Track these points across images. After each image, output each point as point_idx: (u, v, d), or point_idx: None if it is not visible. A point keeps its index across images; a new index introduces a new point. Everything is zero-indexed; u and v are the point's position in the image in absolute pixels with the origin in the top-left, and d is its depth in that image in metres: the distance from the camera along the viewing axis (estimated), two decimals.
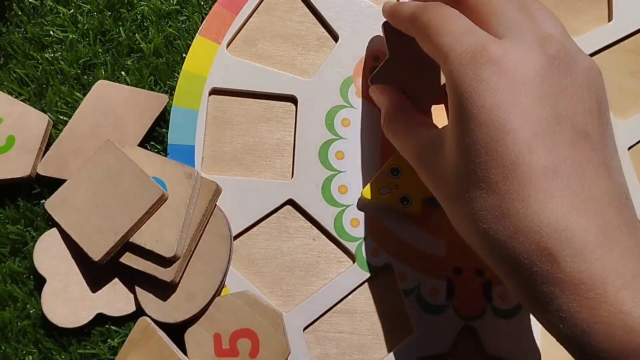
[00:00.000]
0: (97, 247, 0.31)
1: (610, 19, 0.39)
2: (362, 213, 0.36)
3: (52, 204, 0.32)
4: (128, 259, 0.32)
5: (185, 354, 0.32)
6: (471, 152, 0.24)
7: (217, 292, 0.33)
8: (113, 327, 0.33)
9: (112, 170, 0.32)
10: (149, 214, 0.31)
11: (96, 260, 0.31)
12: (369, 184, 0.35)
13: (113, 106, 0.35)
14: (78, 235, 0.31)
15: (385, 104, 0.33)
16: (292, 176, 0.36)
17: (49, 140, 0.35)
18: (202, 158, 0.36)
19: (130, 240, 0.31)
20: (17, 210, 0.34)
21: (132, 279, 0.33)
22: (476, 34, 0.25)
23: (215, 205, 0.34)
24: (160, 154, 0.35)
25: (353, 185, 0.36)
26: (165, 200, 0.32)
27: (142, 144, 0.35)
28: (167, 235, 0.31)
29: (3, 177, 0.32)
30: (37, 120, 0.34)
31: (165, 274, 0.32)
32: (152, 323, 0.32)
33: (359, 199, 0.36)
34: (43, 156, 0.34)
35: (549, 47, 0.24)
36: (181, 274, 0.32)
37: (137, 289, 0.33)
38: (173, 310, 0.32)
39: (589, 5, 0.39)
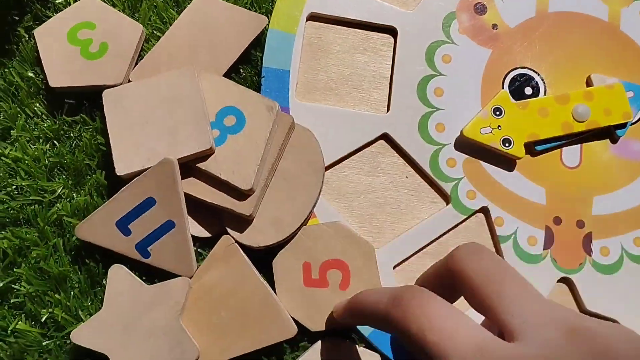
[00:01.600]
0: (126, 163, 0.29)
1: None
2: (460, 153, 0.34)
3: (109, 95, 0.30)
4: (202, 192, 0.30)
5: (271, 283, 0.31)
6: None
7: (306, 221, 0.32)
8: (199, 250, 0.31)
9: (178, 97, 0.30)
10: (188, 159, 0.30)
11: (118, 173, 0.29)
12: (470, 122, 0.34)
13: (211, 22, 0.33)
14: (115, 139, 0.30)
15: None
16: (388, 110, 0.35)
17: (140, 53, 0.33)
18: (297, 84, 0.34)
19: (204, 168, 0.30)
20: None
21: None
22: (492, 351, 0.20)
23: (290, 137, 0.32)
24: (252, 78, 0.34)
25: (451, 123, 0.34)
26: (212, 155, 0.30)
27: (235, 65, 0.33)
28: (244, 168, 0.30)
29: (96, 83, 0.31)
30: (131, 29, 0.33)
31: (242, 207, 0.30)
32: (235, 243, 0.30)
33: (457, 137, 0.34)
34: (135, 65, 0.32)
35: (578, 340, 0.20)
36: (258, 208, 0.31)
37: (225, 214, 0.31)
38: (258, 234, 0.31)
39: None
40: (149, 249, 0.30)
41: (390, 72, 0.35)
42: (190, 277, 0.30)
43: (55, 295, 0.30)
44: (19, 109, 0.32)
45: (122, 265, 0.30)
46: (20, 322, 0.29)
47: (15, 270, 0.30)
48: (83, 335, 0.29)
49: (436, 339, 0.21)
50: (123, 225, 0.29)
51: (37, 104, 0.32)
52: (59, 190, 0.31)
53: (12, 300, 0.30)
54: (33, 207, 0.31)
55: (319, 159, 0.32)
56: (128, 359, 0.28)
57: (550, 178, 0.34)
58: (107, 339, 0.29)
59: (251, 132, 0.30)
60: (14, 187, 0.31)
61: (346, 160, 0.34)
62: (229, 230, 0.31)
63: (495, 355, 0.20)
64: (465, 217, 0.34)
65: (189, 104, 0.30)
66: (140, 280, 0.29)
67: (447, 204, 0.34)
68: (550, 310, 0.21)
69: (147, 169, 0.29)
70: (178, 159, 0.29)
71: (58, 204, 0.31)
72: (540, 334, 0.20)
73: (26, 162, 0.31)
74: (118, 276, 0.29)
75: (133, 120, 0.30)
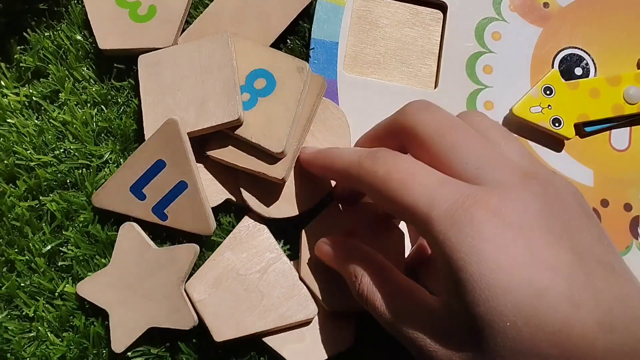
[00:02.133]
0: (154, 126, 0.29)
1: None
2: None
3: (144, 60, 0.30)
4: (231, 156, 0.29)
5: (296, 254, 0.30)
6: (501, 328, 0.19)
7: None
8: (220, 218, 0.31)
9: (211, 65, 0.30)
10: (216, 129, 0.29)
11: (146, 137, 0.29)
12: (520, 101, 0.33)
13: None
14: (147, 103, 0.29)
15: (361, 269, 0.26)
16: (436, 86, 0.34)
17: (187, 19, 0.33)
18: (345, 56, 0.34)
19: (234, 133, 0.29)
20: None
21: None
22: (453, 185, 0.21)
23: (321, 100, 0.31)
24: (300, 50, 0.34)
25: (500, 101, 0.34)
26: (240, 126, 0.30)
27: (283, 36, 0.33)
28: (276, 130, 0.29)
29: (145, 45, 0.31)
30: None
31: (274, 171, 0.29)
32: (258, 223, 0.30)
33: (505, 116, 0.34)
34: (183, 31, 0.32)
35: (534, 186, 0.21)
36: (290, 172, 0.30)
37: (242, 183, 0.30)
38: (287, 204, 0.30)
39: None
40: (165, 211, 0.29)
41: (438, 48, 0.35)
42: (210, 236, 0.30)
43: (102, 259, 0.30)
44: (67, 72, 0.31)
45: (134, 224, 0.29)
46: (67, 285, 0.29)
47: (63, 233, 0.30)
48: (87, 288, 0.29)
49: (400, 177, 0.22)
50: (137, 190, 0.29)
51: (86, 68, 0.32)
52: (107, 155, 0.31)
53: (59, 263, 0.30)
54: (81, 170, 0.30)
55: (346, 142, 0.31)
56: (127, 318, 0.28)
57: (598, 160, 0.34)
58: (109, 295, 0.29)
59: (282, 94, 0.30)
60: (62, 150, 0.31)
61: None
62: (250, 203, 0.30)
63: (453, 185, 0.21)
64: None
65: (220, 73, 0.29)
66: (150, 242, 0.29)
67: None
68: (503, 156, 0.22)
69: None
70: (206, 128, 0.29)
71: (105, 169, 0.31)
72: (495, 177, 0.21)
73: (74, 125, 0.31)
74: (128, 234, 0.29)
75: (165, 87, 0.30)
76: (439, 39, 0.35)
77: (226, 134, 0.29)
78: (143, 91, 0.30)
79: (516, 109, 0.33)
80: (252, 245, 0.30)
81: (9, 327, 0.29)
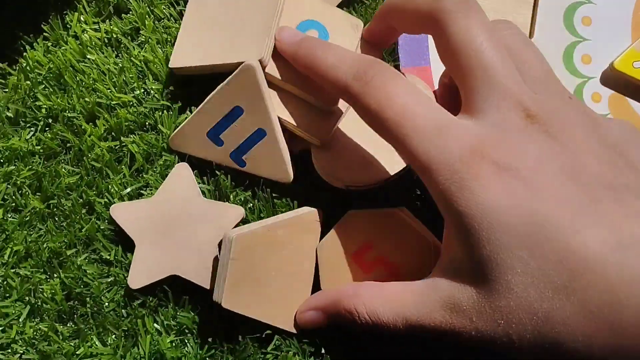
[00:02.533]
0: (179, 58, 0.28)
1: None
2: (606, 88, 0.32)
3: None
4: (282, 112, 0.28)
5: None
6: (509, 265, 0.19)
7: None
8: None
9: (256, 4, 0.28)
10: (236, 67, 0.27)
11: (169, 66, 0.28)
12: (622, 55, 0.31)
13: None
14: (183, 33, 0.28)
15: None
16: (531, 36, 0.32)
17: None
18: None
19: (284, 83, 0.27)
20: None
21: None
22: (451, 134, 0.20)
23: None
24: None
25: (598, 55, 0.32)
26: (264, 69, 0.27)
27: None
28: None
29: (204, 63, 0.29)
30: None
31: (321, 130, 0.27)
32: (318, 222, 0.28)
33: (604, 71, 0.32)
34: None
35: (535, 128, 0.20)
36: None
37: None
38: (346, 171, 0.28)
39: None
40: (243, 158, 0.28)
41: None
42: (289, 184, 0.28)
43: None
44: (148, 10, 0.30)
45: (188, 167, 0.28)
46: None
47: (143, 176, 0.29)
48: (120, 212, 0.28)
49: (394, 116, 0.21)
50: (214, 135, 0.28)
51: (166, 6, 0.30)
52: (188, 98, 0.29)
53: None
54: (161, 112, 0.29)
55: None
56: (152, 258, 0.27)
57: None
58: (141, 228, 0.27)
59: None
60: (142, 90, 0.29)
61: None
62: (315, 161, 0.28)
63: (453, 134, 0.20)
64: None
65: (262, 14, 0.27)
66: (199, 190, 0.28)
67: None
68: (517, 85, 0.21)
69: (197, 67, 0.27)
70: (226, 64, 0.27)
71: (187, 112, 0.29)
72: (500, 113, 0.21)
73: (155, 65, 0.29)
74: (181, 174, 0.28)
75: (206, 19, 0.28)
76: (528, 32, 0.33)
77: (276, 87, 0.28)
78: (185, 20, 0.28)
79: (617, 63, 0.31)
80: None
81: (87, 271, 0.28)
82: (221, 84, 0.27)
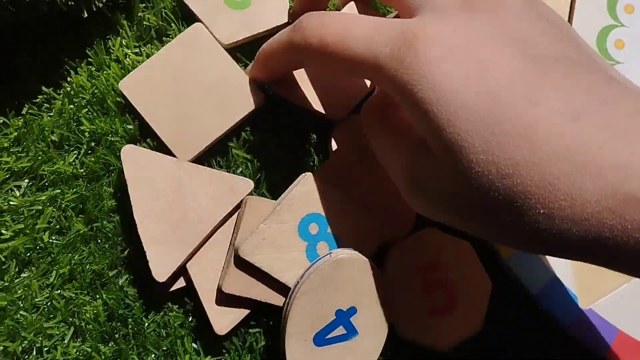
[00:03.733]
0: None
1: None
2: None
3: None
4: None
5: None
6: (471, 145, 0.19)
7: None
8: None
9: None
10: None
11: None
12: None
13: None
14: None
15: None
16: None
17: None
18: None
19: None
20: None
21: None
22: (389, 26, 0.21)
23: None
24: None
25: (631, 78, 0.32)
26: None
27: None
28: None
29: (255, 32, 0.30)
30: None
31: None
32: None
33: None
34: None
35: (474, 6, 0.20)
36: None
37: None
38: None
39: None
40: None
41: (567, 19, 0.33)
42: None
43: None
44: None
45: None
46: None
47: None
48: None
49: (335, 39, 0.21)
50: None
51: None
52: None
53: None
54: None
55: None
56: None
57: None
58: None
59: None
60: None
61: None
62: None
63: (392, 27, 0.21)
64: None
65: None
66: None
67: None
68: None
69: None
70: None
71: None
72: (435, 5, 0.21)
73: None
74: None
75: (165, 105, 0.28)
76: (568, 10, 0.33)
77: None
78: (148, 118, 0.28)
79: None
80: None
81: (129, 292, 0.28)
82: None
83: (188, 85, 0.28)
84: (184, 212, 0.27)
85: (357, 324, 0.26)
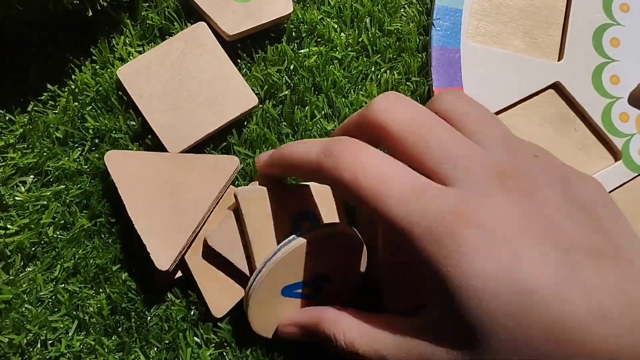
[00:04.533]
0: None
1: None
2: (634, 108, 0.33)
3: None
4: None
5: None
6: (494, 331, 0.19)
7: None
8: None
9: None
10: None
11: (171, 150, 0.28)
12: None
13: None
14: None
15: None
16: (560, 58, 0.33)
17: None
18: (468, 25, 0.33)
19: None
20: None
21: None
22: (429, 196, 0.20)
23: None
24: (420, 17, 0.33)
25: (627, 76, 0.33)
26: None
27: (399, 3, 0.32)
28: None
29: (259, 23, 0.30)
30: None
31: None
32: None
33: (632, 91, 0.33)
34: None
35: (511, 186, 0.20)
36: None
37: None
38: None
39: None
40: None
41: (563, 19, 0.33)
42: None
43: None
44: None
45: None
46: None
47: None
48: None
49: (370, 184, 0.20)
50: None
51: None
52: None
53: None
54: None
55: None
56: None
57: None
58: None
59: None
60: None
61: (514, 108, 0.33)
62: None
63: (430, 196, 0.20)
64: (636, 175, 0.32)
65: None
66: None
67: (616, 160, 0.32)
68: (479, 152, 0.21)
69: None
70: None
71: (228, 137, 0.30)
72: (472, 177, 0.20)
73: None
74: None
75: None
76: (564, 8, 0.34)
77: None
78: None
79: None
80: None
81: (132, 286, 0.29)
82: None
83: (185, 79, 0.29)
84: (177, 201, 0.27)
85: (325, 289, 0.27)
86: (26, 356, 0.27)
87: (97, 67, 0.30)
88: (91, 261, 0.28)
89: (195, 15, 0.31)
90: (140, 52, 0.30)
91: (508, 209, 0.20)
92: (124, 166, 0.27)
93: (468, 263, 0.19)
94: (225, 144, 0.30)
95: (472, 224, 0.19)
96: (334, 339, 0.23)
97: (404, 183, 0.20)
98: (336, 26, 0.32)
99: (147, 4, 0.31)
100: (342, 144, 0.22)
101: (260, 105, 0.31)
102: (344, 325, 0.23)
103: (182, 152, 0.28)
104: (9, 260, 0.28)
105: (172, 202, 0.27)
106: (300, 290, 0.26)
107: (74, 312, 0.28)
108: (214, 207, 0.28)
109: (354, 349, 0.23)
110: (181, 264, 0.28)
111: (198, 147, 0.29)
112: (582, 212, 0.20)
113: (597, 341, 0.18)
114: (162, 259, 0.27)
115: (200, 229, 0.28)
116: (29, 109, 0.29)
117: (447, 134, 0.21)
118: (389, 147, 0.22)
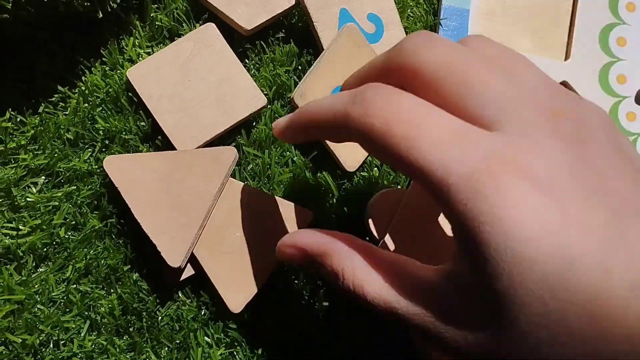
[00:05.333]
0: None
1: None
2: None
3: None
4: None
5: None
6: (525, 303, 0.16)
7: None
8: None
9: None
10: None
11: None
12: None
13: None
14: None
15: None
16: (567, 58, 0.33)
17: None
18: (475, 25, 0.33)
19: None
20: None
21: None
22: (471, 140, 0.18)
23: None
24: (428, 17, 0.33)
25: (633, 75, 0.33)
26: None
27: (407, 3, 0.32)
28: None
29: (274, 14, 0.30)
30: None
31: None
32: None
33: (639, 90, 0.33)
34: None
35: (565, 128, 0.18)
36: None
37: None
38: None
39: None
40: None
41: (569, 18, 0.34)
42: None
43: None
44: None
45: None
46: None
47: None
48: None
49: (404, 130, 0.18)
50: None
51: None
52: None
53: None
54: None
55: None
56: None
57: None
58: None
59: None
60: None
61: None
62: None
63: (473, 140, 0.17)
64: None
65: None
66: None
67: None
68: (526, 92, 0.18)
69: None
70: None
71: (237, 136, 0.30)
72: (522, 120, 0.18)
73: None
74: None
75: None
76: (570, 8, 0.34)
77: None
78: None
79: None
80: None
81: (143, 286, 0.29)
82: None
83: (194, 80, 0.29)
84: (180, 197, 0.27)
85: None
86: (39, 356, 0.27)
87: (107, 68, 0.30)
88: (102, 261, 0.28)
89: (203, 16, 0.31)
90: (149, 54, 0.30)
91: (560, 157, 0.17)
92: (124, 170, 0.27)
93: (510, 222, 0.16)
94: (234, 144, 0.30)
95: (520, 173, 0.17)
96: (341, 276, 0.20)
97: (442, 126, 0.18)
98: None
99: (156, 5, 0.31)
100: (373, 90, 0.19)
101: (269, 106, 0.31)
102: (358, 263, 0.20)
103: None
104: (22, 261, 0.28)
105: (175, 199, 0.28)
106: None
107: (86, 313, 0.28)
108: (217, 199, 0.28)
109: (362, 293, 0.20)
110: (192, 261, 0.28)
111: (207, 147, 0.29)
112: (629, 165, 0.18)
113: (633, 319, 0.16)
114: (173, 256, 0.27)
115: (206, 222, 0.28)
116: (40, 110, 0.29)
117: (490, 73, 0.19)
118: (423, 91, 0.19)
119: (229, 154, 0.28)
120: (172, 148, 0.28)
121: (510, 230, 0.16)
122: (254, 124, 0.31)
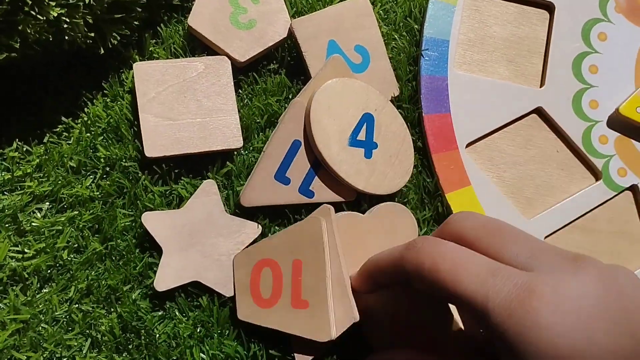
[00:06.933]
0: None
1: None
2: (612, 131, 0.35)
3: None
4: None
5: None
6: None
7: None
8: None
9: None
10: None
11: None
12: (627, 101, 0.34)
13: None
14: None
15: None
16: (542, 85, 0.35)
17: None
18: (455, 55, 0.35)
19: None
20: None
21: None
22: (505, 274, 0.21)
23: None
24: (410, 48, 0.35)
25: (605, 101, 0.35)
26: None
27: (390, 35, 0.34)
28: None
29: (222, 47, 0.32)
30: (283, 25, 0.33)
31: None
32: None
33: (610, 115, 0.35)
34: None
35: (588, 269, 0.21)
36: None
37: None
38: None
39: None
40: (310, 188, 0.31)
41: (544, 48, 0.36)
42: (352, 200, 0.32)
43: None
44: None
45: (214, 184, 0.31)
46: None
47: None
48: (151, 220, 0.30)
49: (448, 268, 0.22)
50: (281, 176, 0.31)
51: None
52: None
53: None
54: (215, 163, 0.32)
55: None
56: (178, 263, 0.30)
57: None
58: (168, 235, 0.30)
59: None
60: None
61: (499, 132, 0.35)
62: None
63: (506, 274, 0.21)
64: (615, 193, 0.34)
65: None
66: (223, 206, 0.31)
67: (597, 180, 0.34)
68: (550, 246, 0.23)
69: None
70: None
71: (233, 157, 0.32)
72: (548, 263, 0.21)
73: None
74: (207, 190, 0.31)
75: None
76: (545, 38, 0.36)
77: None
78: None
79: (623, 109, 0.34)
80: None
81: (141, 305, 0.30)
82: (277, 126, 0.31)
83: (189, 98, 0.31)
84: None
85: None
86: None
87: (108, 100, 0.32)
88: (103, 282, 0.30)
89: (199, 50, 0.33)
90: None
91: (586, 289, 0.20)
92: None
93: (542, 343, 0.19)
94: (204, 170, 0.32)
95: (547, 300, 0.20)
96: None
97: (480, 264, 0.22)
98: None
99: (154, 40, 0.33)
100: (423, 239, 0.24)
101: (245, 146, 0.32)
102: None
103: (155, 158, 0.30)
104: (27, 283, 0.29)
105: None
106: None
107: (87, 331, 0.30)
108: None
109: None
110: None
111: (174, 161, 0.31)
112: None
113: None
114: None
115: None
116: (45, 140, 0.31)
117: (519, 233, 0.23)
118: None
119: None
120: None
121: (542, 350, 0.19)
122: (234, 154, 0.32)
